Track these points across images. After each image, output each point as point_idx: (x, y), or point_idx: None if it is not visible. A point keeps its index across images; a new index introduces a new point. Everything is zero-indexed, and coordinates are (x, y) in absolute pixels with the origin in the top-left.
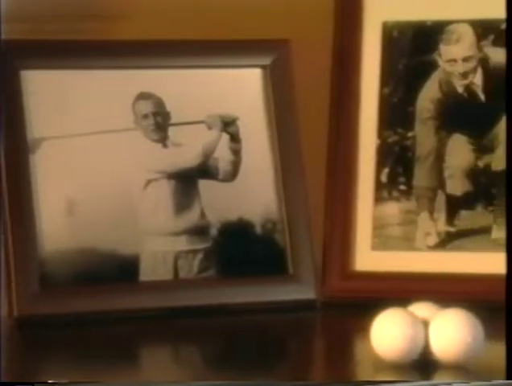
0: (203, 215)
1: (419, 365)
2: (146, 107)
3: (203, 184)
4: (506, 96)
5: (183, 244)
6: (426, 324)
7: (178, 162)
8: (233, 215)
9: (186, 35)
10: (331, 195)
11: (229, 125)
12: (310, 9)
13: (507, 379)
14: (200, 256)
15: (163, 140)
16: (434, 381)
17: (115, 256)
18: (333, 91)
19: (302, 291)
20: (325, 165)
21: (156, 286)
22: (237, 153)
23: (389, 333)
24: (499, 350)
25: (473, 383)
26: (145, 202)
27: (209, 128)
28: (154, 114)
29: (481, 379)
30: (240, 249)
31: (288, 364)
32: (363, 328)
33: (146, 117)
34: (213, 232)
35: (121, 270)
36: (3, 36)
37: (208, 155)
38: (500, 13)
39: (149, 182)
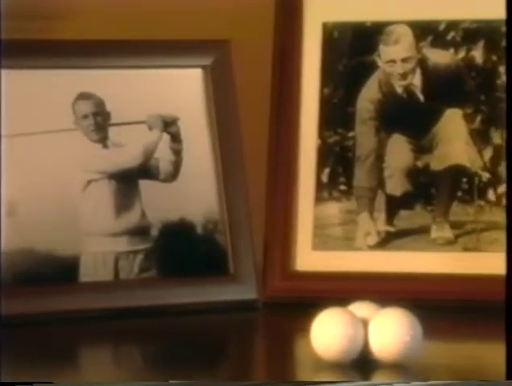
0: (143, 215)
1: (358, 365)
2: (86, 107)
3: (144, 184)
4: (506, 95)
5: (123, 244)
6: (365, 323)
7: (118, 162)
8: (173, 216)
9: (127, 35)
10: (272, 195)
11: (169, 126)
12: (250, 9)
13: (507, 379)
14: (140, 256)
15: (103, 140)
16: (373, 381)
17: (55, 256)
18: (274, 91)
19: (243, 291)
20: (266, 165)
21: (96, 287)
22: (178, 153)
23: (328, 333)
24: (438, 349)
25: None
26: (85, 202)
27: (150, 128)
28: (95, 114)
29: (419, 378)
30: (181, 250)
31: (229, 364)
32: (304, 328)
33: (86, 117)
34: (154, 232)
35: (61, 271)
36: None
37: (148, 155)
38: (438, 14)
39: (89, 182)
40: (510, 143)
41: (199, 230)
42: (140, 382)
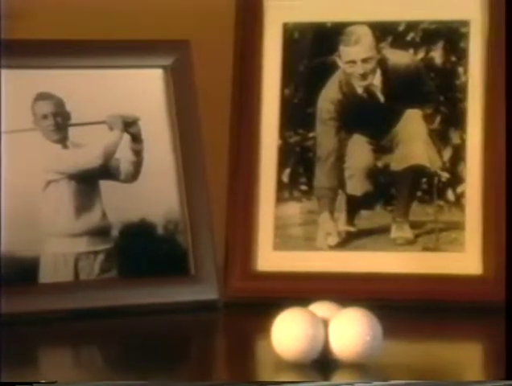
0: (104, 216)
1: (319, 364)
2: (46, 107)
3: (104, 185)
4: (506, 96)
5: (83, 245)
6: (326, 323)
7: (78, 162)
8: (134, 216)
9: (87, 35)
10: (233, 195)
11: (130, 126)
12: (211, 9)
13: (507, 379)
14: (101, 257)
15: (62, 140)
16: (334, 381)
17: (15, 257)
18: (235, 91)
19: (204, 291)
20: (227, 165)
21: (56, 288)
22: (138, 153)
23: (289, 333)
24: (398, 348)
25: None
26: (45, 203)
27: (110, 128)
28: (54, 114)
29: (380, 378)
30: (142, 250)
31: (190, 365)
32: (264, 328)
33: (45, 117)
34: (114, 233)
35: (20, 272)
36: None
37: (109, 156)
38: (397, 15)
39: (49, 183)
40: (510, 143)
41: (159, 230)
42: (102, 382)
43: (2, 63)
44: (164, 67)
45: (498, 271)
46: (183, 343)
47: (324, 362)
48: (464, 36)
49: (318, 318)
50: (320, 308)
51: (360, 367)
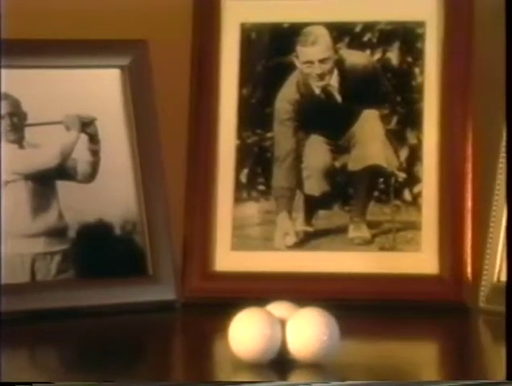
0: (61, 216)
1: (276, 364)
2: (2, 107)
3: (61, 185)
4: (506, 97)
5: (40, 246)
6: (283, 323)
7: (35, 163)
8: (91, 217)
9: (43, 35)
10: (191, 195)
11: (87, 126)
12: (168, 9)
13: (507, 379)
14: (58, 258)
15: (19, 141)
16: (291, 381)
17: None
18: (192, 92)
19: (162, 292)
20: (185, 165)
21: (13, 289)
22: (95, 153)
23: (246, 333)
24: (355, 348)
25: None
26: (2, 204)
27: (67, 128)
28: (10, 115)
29: (337, 378)
30: (99, 251)
31: (148, 365)
32: (222, 328)
33: (1, 117)
34: (72, 233)
35: None
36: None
37: (66, 156)
38: (354, 16)
39: (6, 183)
40: (510, 144)
41: (117, 231)
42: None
43: None
44: (121, 67)
45: (454, 271)
46: (141, 344)
47: (281, 362)
48: (420, 37)
49: (275, 318)
50: (278, 308)
51: (317, 366)
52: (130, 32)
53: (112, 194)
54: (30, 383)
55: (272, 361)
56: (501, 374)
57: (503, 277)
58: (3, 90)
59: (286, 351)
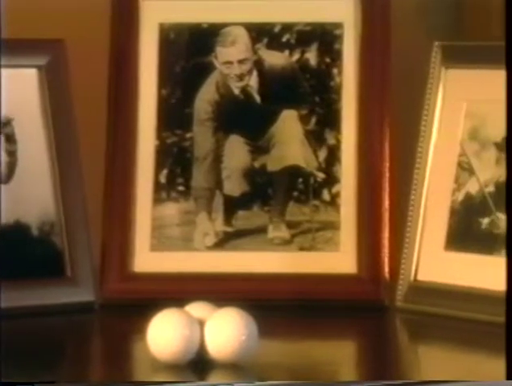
0: None
1: (195, 365)
2: None
3: None
4: (507, 97)
5: None
6: (202, 324)
7: None
8: (8, 218)
9: None
10: (109, 196)
11: (3, 126)
12: (86, 9)
13: (507, 379)
14: None
15: None
16: (210, 381)
17: None
18: (111, 92)
19: (80, 293)
20: (104, 166)
21: None
22: (12, 154)
23: (164, 334)
24: (274, 348)
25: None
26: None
27: None
28: None
29: (256, 378)
30: (16, 252)
31: (66, 366)
32: (141, 329)
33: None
34: None
35: None
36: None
37: None
38: (273, 17)
39: None
40: (510, 145)
41: (34, 232)
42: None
43: None
44: (39, 67)
45: (372, 270)
46: (60, 345)
47: (200, 362)
48: (338, 38)
49: (194, 318)
50: (196, 308)
51: (236, 366)
52: (47, 32)
53: (29, 195)
54: (31, 384)
55: (191, 361)
56: (417, 374)
57: (420, 276)
58: None
59: (205, 351)
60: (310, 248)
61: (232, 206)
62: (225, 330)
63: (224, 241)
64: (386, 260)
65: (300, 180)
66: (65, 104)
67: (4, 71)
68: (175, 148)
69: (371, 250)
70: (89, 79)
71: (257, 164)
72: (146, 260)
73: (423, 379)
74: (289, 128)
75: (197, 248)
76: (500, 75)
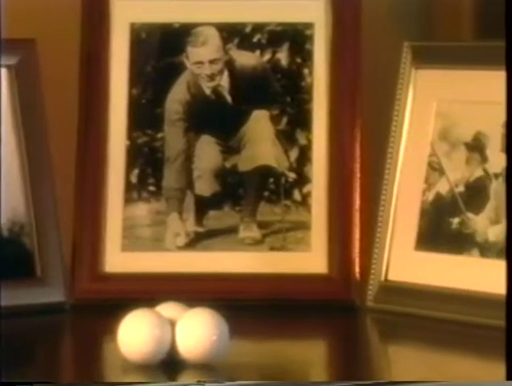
0: None
1: (166, 365)
2: None
3: None
4: (507, 98)
5: None
6: (173, 324)
7: None
8: None
9: None
10: (80, 196)
11: None
12: (56, 8)
13: (507, 379)
14: None
15: None
16: (181, 381)
17: None
18: (82, 92)
19: (50, 294)
20: (74, 166)
21: None
22: None
23: (135, 334)
24: (245, 348)
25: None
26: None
27: None
28: None
29: (227, 378)
30: None
31: (37, 366)
32: (112, 330)
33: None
34: None
35: None
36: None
37: None
38: (244, 17)
39: None
40: (510, 144)
41: (4, 233)
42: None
43: None
44: (8, 67)
45: (343, 270)
46: (31, 346)
47: (171, 362)
48: (309, 38)
49: (164, 318)
50: (167, 309)
51: (207, 366)
52: (17, 31)
53: None
54: (31, 383)
55: (162, 362)
56: (388, 374)
57: (391, 276)
58: None
59: (176, 351)
60: (281, 248)
61: (203, 206)
62: (195, 331)
63: (195, 241)
64: (357, 260)
65: (271, 180)
66: (35, 104)
67: None
68: (146, 148)
69: (342, 250)
70: (60, 79)
71: (228, 164)
72: (117, 260)
73: (393, 380)
74: (260, 128)
75: (168, 248)
76: (469, 75)
